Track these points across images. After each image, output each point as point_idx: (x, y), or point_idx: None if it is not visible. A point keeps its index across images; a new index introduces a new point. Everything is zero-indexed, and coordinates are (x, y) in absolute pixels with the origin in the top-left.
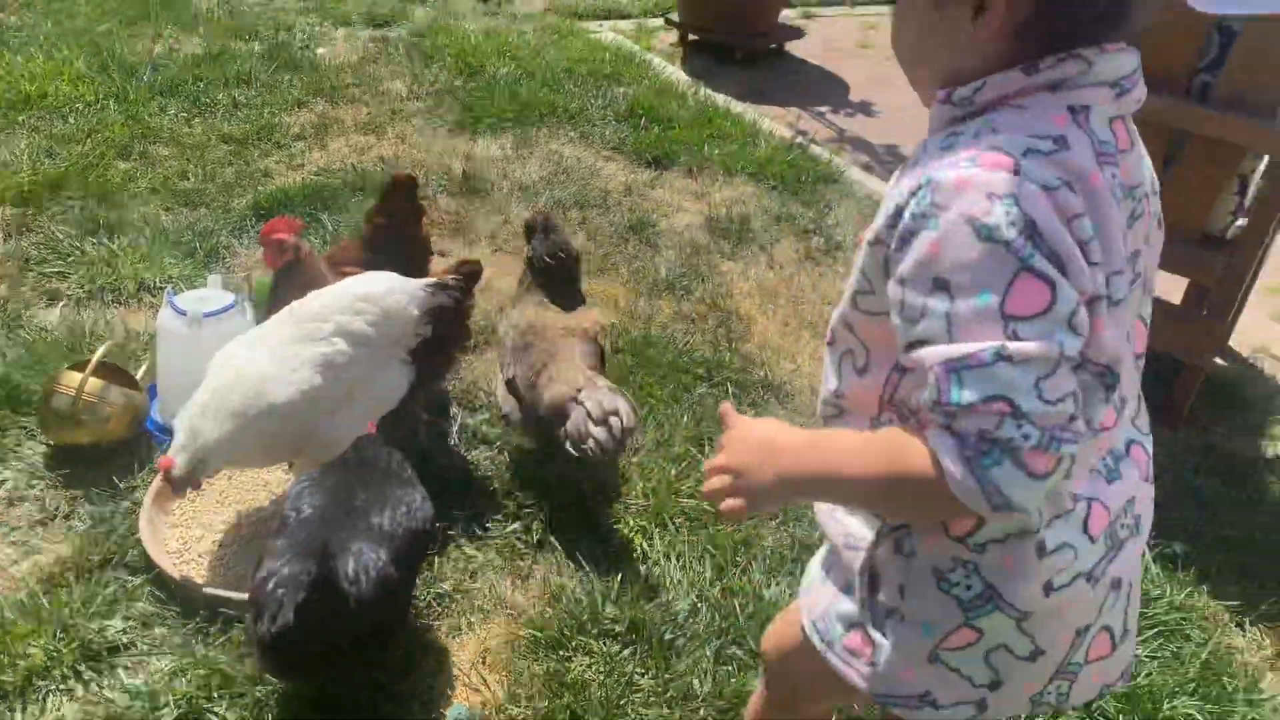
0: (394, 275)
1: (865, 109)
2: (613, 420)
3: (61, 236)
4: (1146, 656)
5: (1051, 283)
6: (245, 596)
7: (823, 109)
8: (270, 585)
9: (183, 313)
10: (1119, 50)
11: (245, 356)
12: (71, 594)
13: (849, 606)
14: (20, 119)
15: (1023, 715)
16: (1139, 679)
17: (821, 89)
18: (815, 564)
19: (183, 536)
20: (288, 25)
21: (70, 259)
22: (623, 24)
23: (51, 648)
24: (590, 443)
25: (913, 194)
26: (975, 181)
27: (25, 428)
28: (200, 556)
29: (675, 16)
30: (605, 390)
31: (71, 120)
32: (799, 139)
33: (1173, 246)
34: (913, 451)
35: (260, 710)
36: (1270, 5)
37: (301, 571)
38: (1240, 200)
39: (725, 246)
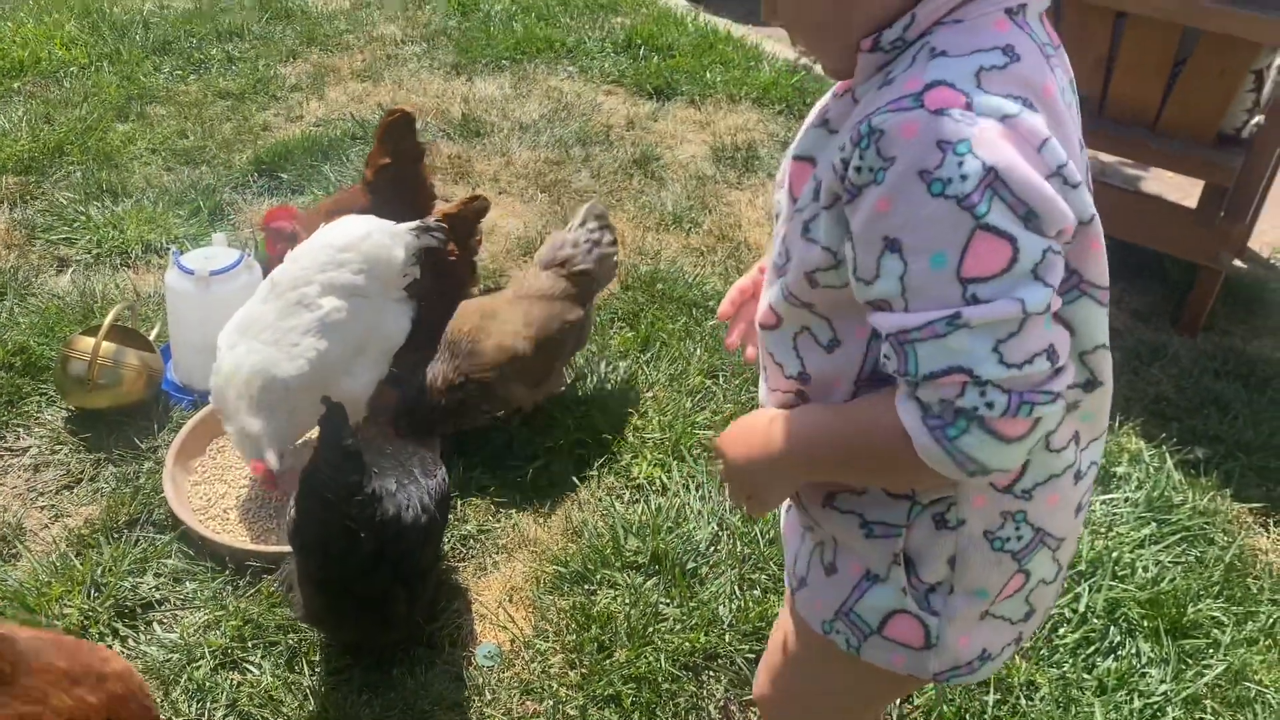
0: (370, 218)
1: None
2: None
3: (65, 202)
4: (1170, 562)
5: (1012, 238)
6: (270, 549)
7: None
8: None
9: (190, 272)
10: None
11: (233, 357)
12: (102, 554)
13: (881, 595)
14: (15, 85)
15: None
16: (1163, 584)
17: None
18: (804, 566)
19: (206, 493)
20: None
21: (76, 224)
22: None
23: (87, 606)
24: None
25: (855, 144)
26: (922, 127)
27: (45, 394)
28: (225, 512)
29: None
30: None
31: (67, 84)
32: (803, 60)
33: (1188, 148)
34: (886, 420)
35: (294, 657)
36: None
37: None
38: (1256, 97)
39: (732, 176)
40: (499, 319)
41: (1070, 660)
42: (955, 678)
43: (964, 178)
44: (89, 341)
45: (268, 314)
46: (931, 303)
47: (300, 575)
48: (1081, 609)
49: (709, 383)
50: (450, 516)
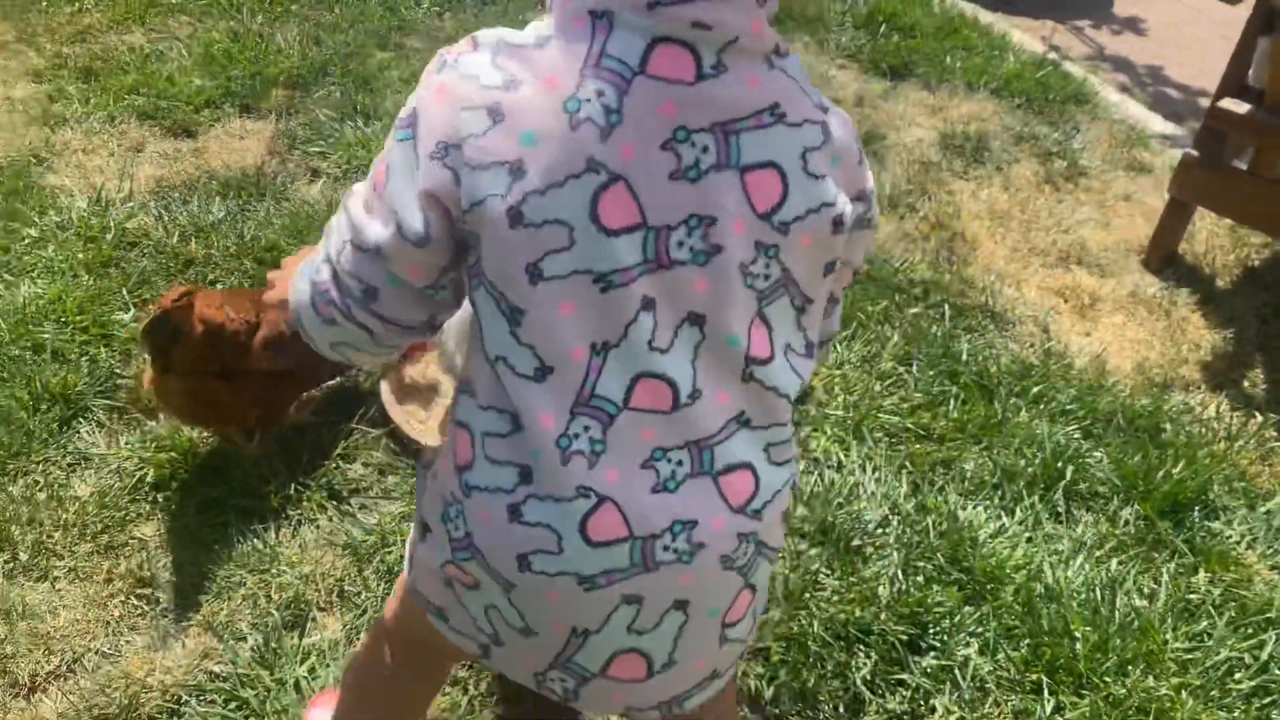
0: None
1: (1132, 25)
2: None
3: (324, 119)
4: None
5: (389, 165)
6: None
7: (1081, 23)
8: None
9: None
10: None
11: None
12: (320, 438)
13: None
14: (293, 7)
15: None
16: None
17: (1082, 1)
18: None
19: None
20: None
21: (330, 140)
22: None
23: (301, 483)
24: None
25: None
26: None
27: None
28: (425, 421)
29: None
30: None
31: (337, 10)
32: (1051, 54)
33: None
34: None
35: None
36: None
37: None
38: None
39: (958, 165)
40: None
41: (1243, 707)
42: (420, 603)
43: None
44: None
45: None
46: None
47: None
48: (1264, 657)
49: (901, 369)
50: None
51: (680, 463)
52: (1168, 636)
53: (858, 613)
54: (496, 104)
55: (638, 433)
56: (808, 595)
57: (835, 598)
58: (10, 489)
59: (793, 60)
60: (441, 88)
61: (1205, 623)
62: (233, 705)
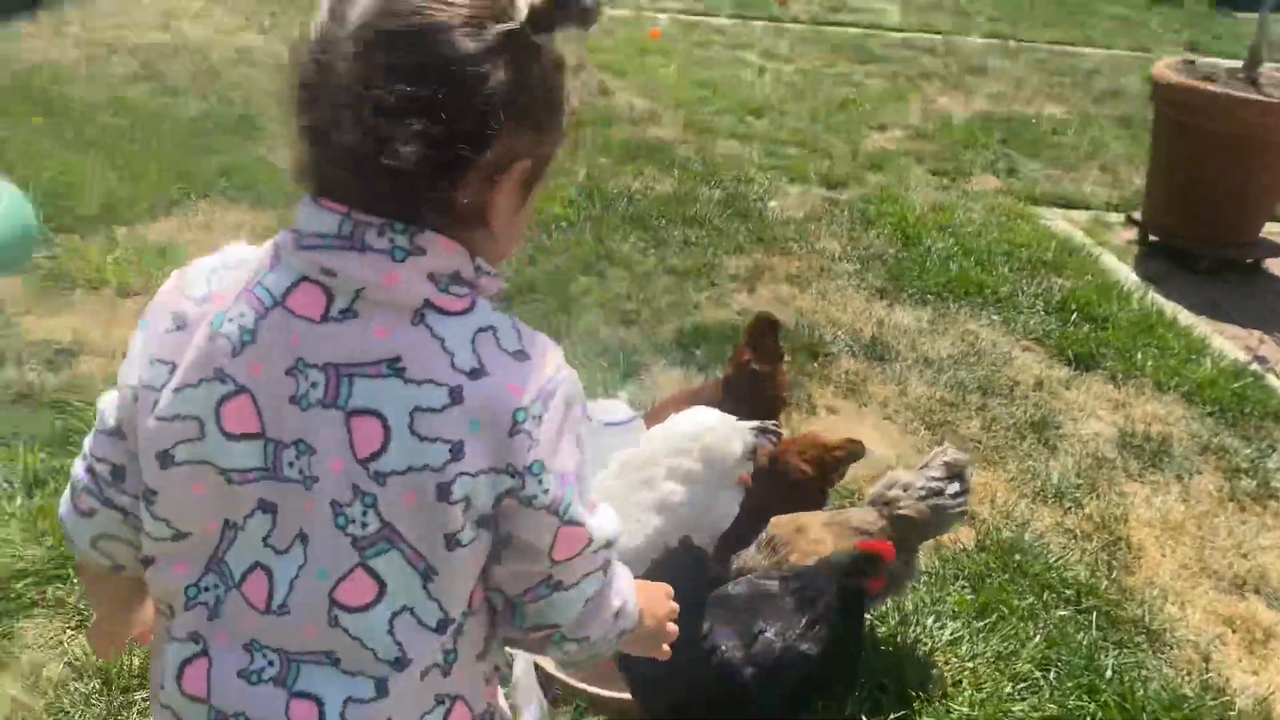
0: (716, 412)
1: None
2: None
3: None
4: None
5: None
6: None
7: None
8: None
9: (589, 419)
10: (318, 206)
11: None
12: None
13: None
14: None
15: None
16: None
17: None
18: None
19: None
20: (749, 178)
21: None
22: (1078, 214)
23: None
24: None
25: None
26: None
27: None
28: None
29: (1138, 215)
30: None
31: (555, 236)
32: (1255, 365)
33: None
34: None
35: None
36: None
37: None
38: None
39: (1134, 466)
40: (808, 536)
41: None
42: None
43: None
44: None
45: (616, 489)
46: None
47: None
48: None
49: (1038, 674)
50: None
51: (271, 663)
52: None
53: None
54: (184, 313)
55: (242, 616)
56: None
57: None
58: None
59: (459, 321)
60: (162, 290)
61: None
62: None
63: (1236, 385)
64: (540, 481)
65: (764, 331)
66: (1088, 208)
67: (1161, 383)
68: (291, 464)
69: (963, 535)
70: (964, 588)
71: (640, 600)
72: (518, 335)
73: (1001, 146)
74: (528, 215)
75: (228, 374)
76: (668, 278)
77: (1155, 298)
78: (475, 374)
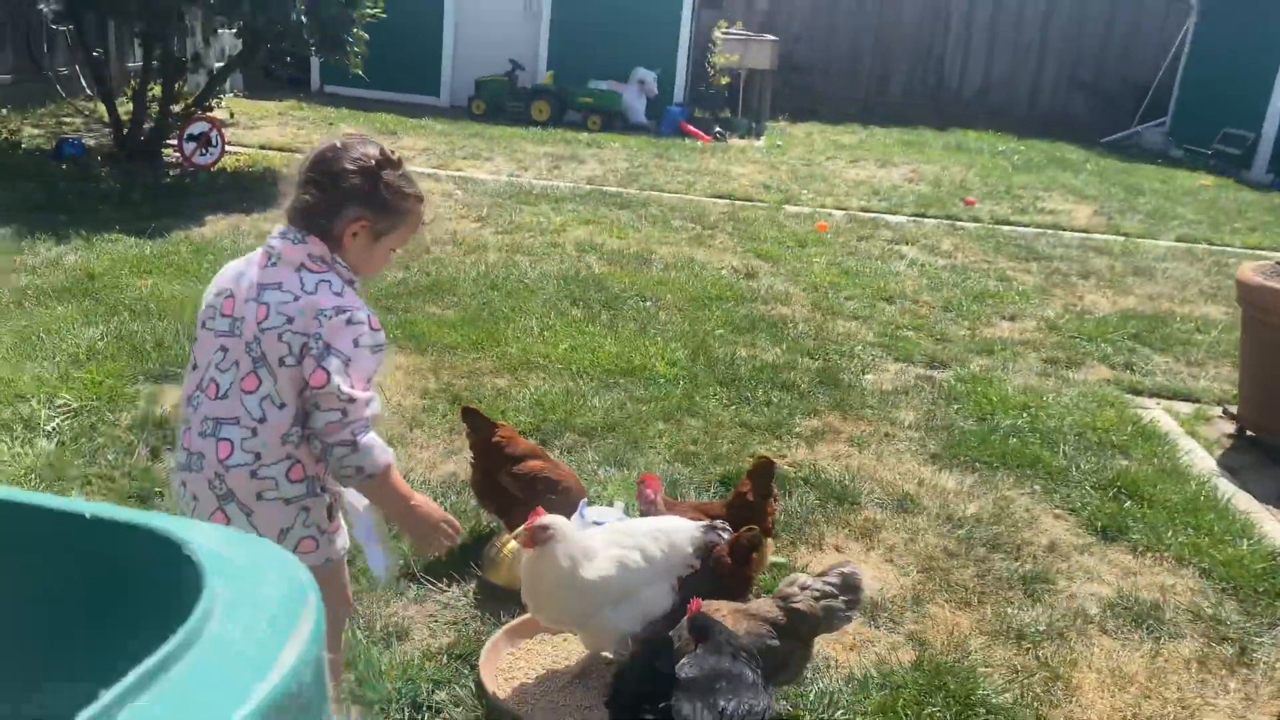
0: (686, 521)
1: None
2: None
3: (590, 460)
4: None
5: None
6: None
7: None
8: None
9: (582, 516)
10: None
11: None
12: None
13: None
14: (619, 381)
15: None
16: None
17: None
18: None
19: (521, 666)
20: (852, 353)
21: (586, 479)
22: (1182, 406)
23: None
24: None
25: None
26: None
27: (474, 567)
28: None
29: (1235, 409)
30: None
31: (648, 389)
32: None
33: None
34: None
35: None
36: None
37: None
38: None
39: (1112, 624)
40: (720, 617)
41: None
42: None
43: None
44: (507, 539)
45: (598, 543)
46: None
47: None
48: None
49: None
50: None
51: (210, 425)
52: None
53: None
54: (221, 274)
55: (204, 404)
56: None
57: None
58: None
59: (314, 275)
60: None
61: None
62: None
63: (1262, 566)
64: (318, 341)
65: (761, 471)
66: (1196, 401)
67: (1184, 558)
68: (234, 327)
69: (903, 656)
70: (884, 694)
71: (407, 491)
72: (339, 289)
73: (1130, 341)
74: (382, 256)
75: (227, 288)
76: (738, 429)
77: (1218, 484)
78: (310, 294)
